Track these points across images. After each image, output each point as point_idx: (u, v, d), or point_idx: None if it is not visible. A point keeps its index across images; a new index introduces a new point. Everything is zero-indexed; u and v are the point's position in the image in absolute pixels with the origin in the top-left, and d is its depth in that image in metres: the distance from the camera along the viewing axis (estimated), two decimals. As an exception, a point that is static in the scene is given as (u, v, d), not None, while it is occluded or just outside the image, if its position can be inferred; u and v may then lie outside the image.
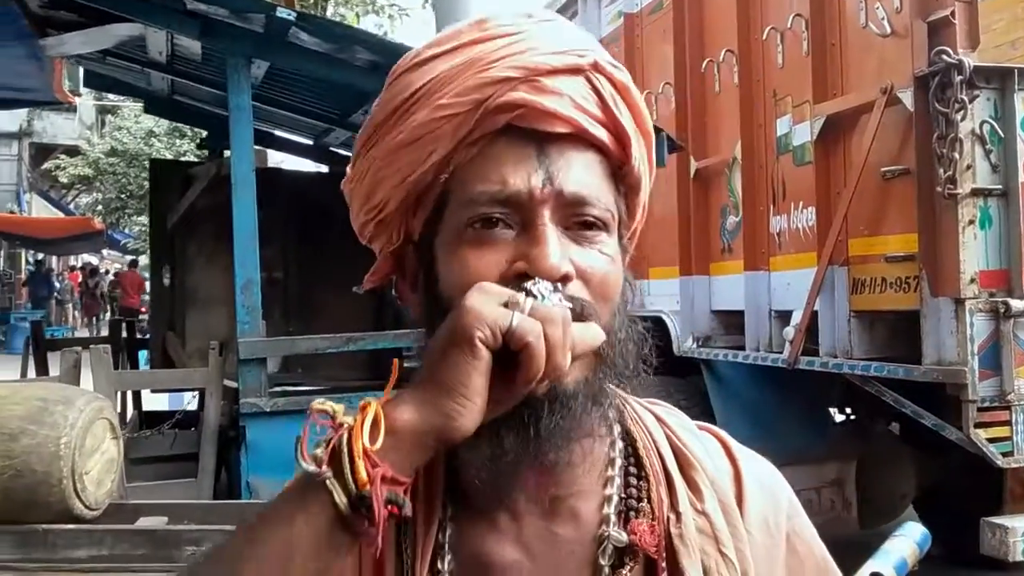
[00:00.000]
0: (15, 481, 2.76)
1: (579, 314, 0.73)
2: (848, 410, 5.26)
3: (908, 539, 0.76)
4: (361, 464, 0.66)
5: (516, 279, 0.73)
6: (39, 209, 23.32)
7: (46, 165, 23.93)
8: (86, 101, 22.35)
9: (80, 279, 25.07)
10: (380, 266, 0.88)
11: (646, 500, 0.82)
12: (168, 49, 4.21)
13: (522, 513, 0.79)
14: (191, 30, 3.52)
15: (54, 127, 23.69)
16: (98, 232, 20.43)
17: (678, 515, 0.81)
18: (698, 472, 0.84)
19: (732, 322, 4.85)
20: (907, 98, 3.48)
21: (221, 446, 3.82)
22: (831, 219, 3.92)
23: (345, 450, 0.67)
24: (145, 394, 5.83)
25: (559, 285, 0.72)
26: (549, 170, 0.75)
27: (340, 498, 0.66)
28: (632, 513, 0.81)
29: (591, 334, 0.72)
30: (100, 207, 24.07)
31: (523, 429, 0.72)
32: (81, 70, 6.22)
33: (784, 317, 4.33)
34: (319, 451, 0.68)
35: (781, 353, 4.24)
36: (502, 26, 0.79)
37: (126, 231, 24.67)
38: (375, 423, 0.67)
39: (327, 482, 0.67)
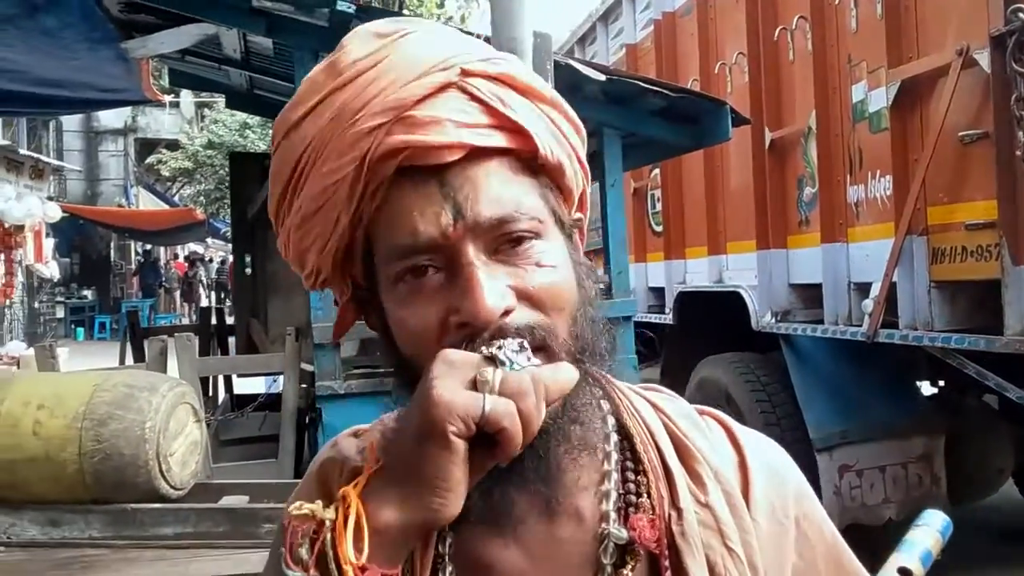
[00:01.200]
0: (105, 463, 2.94)
1: (538, 344, 0.71)
2: (941, 383, 5.11)
3: (931, 529, 0.74)
4: (348, 570, 0.65)
5: (458, 330, 0.71)
6: (146, 202, 24.30)
7: (149, 160, 24.90)
8: (185, 97, 23.18)
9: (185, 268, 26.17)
10: (343, 316, 0.85)
11: (646, 495, 0.80)
12: (242, 46, 4.35)
13: (522, 517, 0.78)
14: (258, 27, 3.63)
15: (157, 123, 24.59)
16: (200, 222, 21.20)
17: (679, 511, 0.79)
18: (700, 463, 0.82)
19: (811, 296, 4.73)
20: (984, 59, 3.32)
21: (301, 427, 3.96)
22: (909, 187, 3.78)
23: (331, 553, 0.66)
24: (242, 378, 6.09)
25: (525, 344, 0.70)
26: (456, 202, 0.71)
27: None
28: (631, 509, 0.79)
29: (563, 377, 0.70)
30: (201, 198, 24.94)
31: (507, 481, 0.72)
32: (166, 69, 6.48)
33: (863, 289, 4.21)
34: (303, 551, 0.67)
35: (860, 326, 4.13)
36: (356, 63, 0.74)
37: (226, 219, 25.58)
38: (358, 526, 0.66)
39: None
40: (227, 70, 5.31)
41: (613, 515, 0.79)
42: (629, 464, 0.82)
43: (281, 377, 5.48)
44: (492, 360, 0.67)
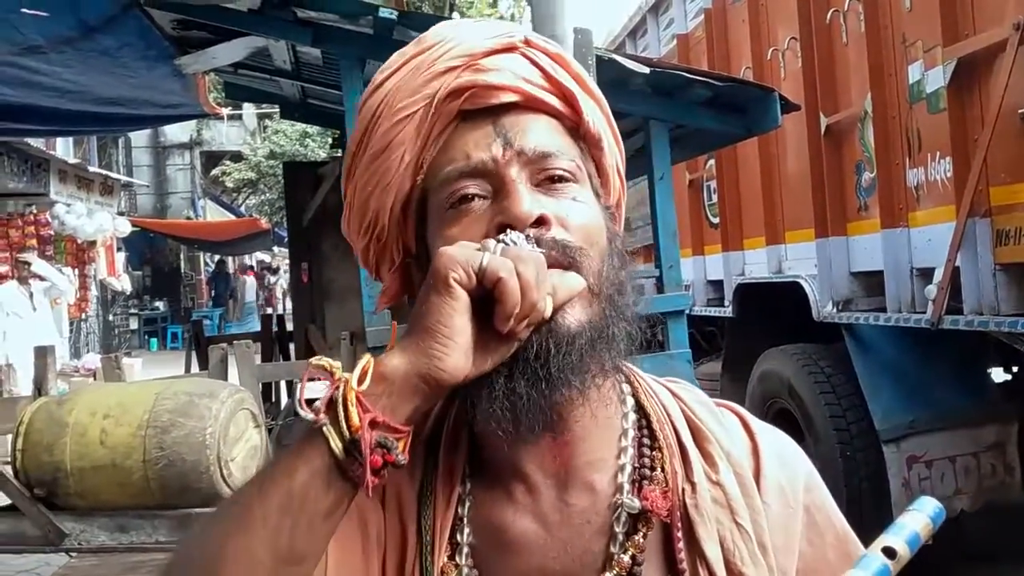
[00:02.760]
0: (168, 470, 3.03)
1: (562, 258, 0.76)
2: (1014, 369, 4.94)
3: (922, 513, 0.74)
4: (354, 410, 0.69)
5: (497, 232, 0.77)
6: (212, 213, 24.90)
7: (214, 172, 25.50)
8: (248, 109, 23.68)
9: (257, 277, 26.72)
10: (389, 286, 0.92)
11: (659, 470, 0.83)
12: (291, 57, 4.43)
13: (538, 486, 0.82)
14: (304, 38, 3.68)
15: (221, 135, 25.17)
16: (265, 231, 21.66)
17: (693, 485, 0.82)
18: (712, 444, 0.86)
19: (873, 283, 4.61)
20: (1043, 32, 3.21)
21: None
22: (969, 168, 3.66)
23: (340, 399, 0.70)
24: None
25: (531, 234, 0.76)
26: (507, 136, 0.80)
27: (335, 444, 0.70)
28: (645, 482, 0.82)
29: (570, 280, 0.75)
30: (266, 207, 25.44)
31: (532, 372, 0.75)
32: (222, 82, 6.63)
33: (926, 275, 4.09)
34: (317, 402, 0.72)
35: (924, 313, 4.01)
36: (438, 34, 0.86)
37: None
38: (366, 372, 0.71)
39: (323, 429, 0.70)
40: (279, 81, 5.41)
41: (627, 487, 0.82)
42: (645, 440, 0.86)
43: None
44: (498, 240, 0.75)
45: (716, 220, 6.53)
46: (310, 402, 0.73)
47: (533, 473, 0.82)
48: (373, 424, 0.70)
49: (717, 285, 6.57)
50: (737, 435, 0.88)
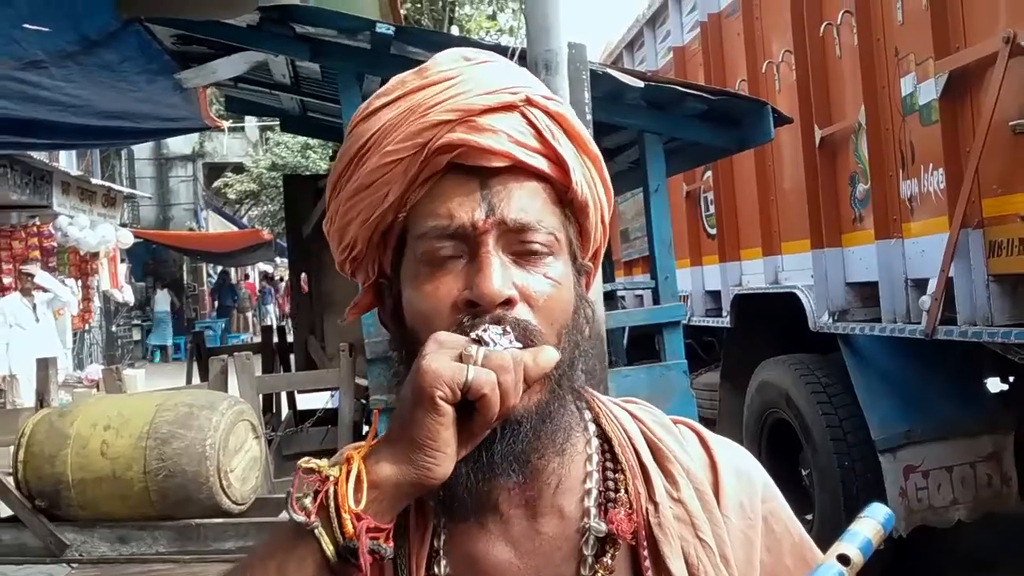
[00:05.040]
0: (169, 481, 3.06)
1: (522, 339, 0.78)
2: (1011, 379, 4.96)
3: (873, 520, 0.78)
4: (347, 517, 0.73)
5: (466, 307, 0.79)
6: (215, 225, 24.95)
7: (217, 183, 25.56)
8: (250, 121, 23.77)
9: (258, 288, 26.75)
10: (362, 299, 0.95)
11: (623, 491, 0.87)
12: (290, 71, 4.47)
13: (508, 515, 0.86)
14: (303, 53, 3.73)
15: (223, 147, 25.24)
16: (267, 242, 21.70)
17: (656, 505, 0.86)
18: (673, 463, 0.89)
19: (868, 294, 4.64)
20: (1031, 46, 3.24)
21: (358, 440, 4.04)
22: (962, 180, 3.69)
23: (332, 503, 0.73)
24: (305, 394, 6.21)
25: (508, 330, 0.78)
26: (491, 202, 0.81)
27: (328, 547, 0.73)
28: (610, 504, 0.86)
29: (543, 359, 0.77)
30: (268, 218, 25.49)
31: (476, 458, 0.78)
32: (224, 96, 6.68)
33: (921, 286, 4.11)
34: (307, 501, 0.74)
35: (919, 324, 4.04)
36: (440, 71, 0.86)
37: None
38: (358, 480, 0.74)
39: (315, 532, 0.73)
40: (278, 95, 5.46)
41: (593, 510, 0.86)
42: (608, 464, 0.89)
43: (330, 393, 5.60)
44: (478, 341, 0.76)
45: (713, 231, 6.56)
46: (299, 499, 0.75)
47: (503, 503, 0.85)
48: (366, 530, 0.73)
49: (715, 295, 6.60)
50: (695, 451, 0.92)
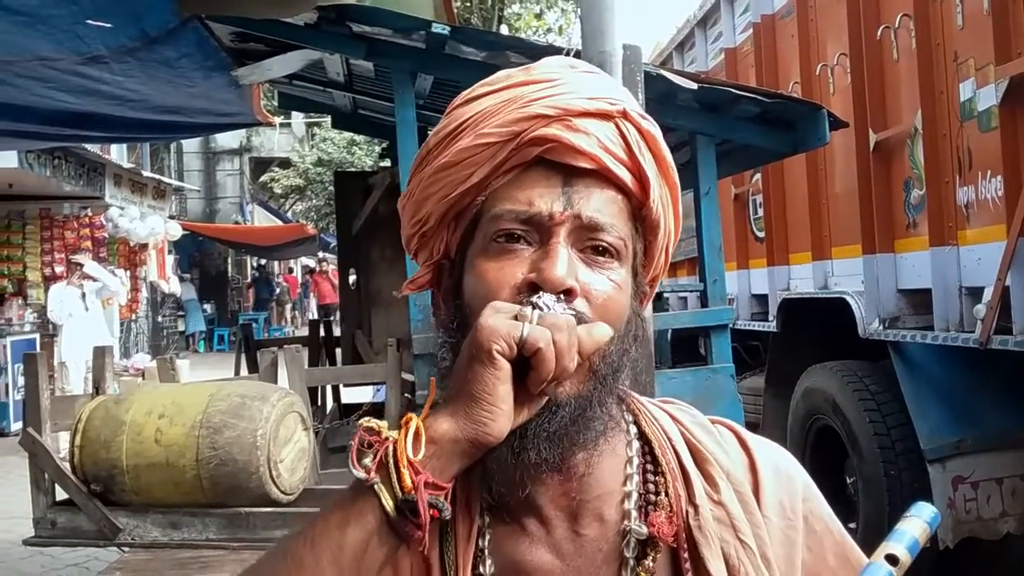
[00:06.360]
0: (220, 469, 3.11)
1: (578, 321, 0.79)
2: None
3: (920, 519, 0.78)
4: (406, 472, 0.74)
5: (528, 289, 0.81)
6: (260, 218, 25.26)
7: (263, 178, 25.88)
8: (296, 117, 24.04)
9: (299, 282, 27.01)
10: (420, 276, 0.97)
11: (664, 494, 0.88)
12: (344, 69, 4.52)
13: (550, 519, 0.86)
14: (358, 52, 3.77)
15: (270, 142, 25.56)
16: (312, 237, 21.93)
17: (696, 508, 0.87)
18: (713, 465, 0.90)
19: (920, 301, 4.58)
20: (1098, 51, 3.17)
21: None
22: (1021, 187, 3.63)
23: (391, 459, 0.74)
24: (350, 388, 6.28)
25: (562, 297, 0.79)
26: (571, 198, 0.84)
27: (387, 502, 0.74)
28: (651, 507, 0.87)
29: (597, 332, 0.79)
30: (312, 213, 25.75)
31: (514, 437, 0.79)
32: (276, 92, 6.77)
33: (975, 294, 4.05)
34: (368, 460, 0.76)
35: (973, 333, 3.97)
36: (546, 72, 0.89)
37: (336, 235, 26.27)
38: (416, 435, 0.75)
39: (375, 487, 0.75)
40: (332, 92, 5.52)
41: (634, 513, 0.87)
42: (649, 467, 0.90)
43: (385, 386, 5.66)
44: (533, 306, 0.78)
45: (762, 234, 6.51)
46: (359, 457, 0.77)
47: (545, 507, 0.86)
48: (424, 484, 0.74)
49: (761, 299, 6.54)
50: (734, 452, 0.93)
